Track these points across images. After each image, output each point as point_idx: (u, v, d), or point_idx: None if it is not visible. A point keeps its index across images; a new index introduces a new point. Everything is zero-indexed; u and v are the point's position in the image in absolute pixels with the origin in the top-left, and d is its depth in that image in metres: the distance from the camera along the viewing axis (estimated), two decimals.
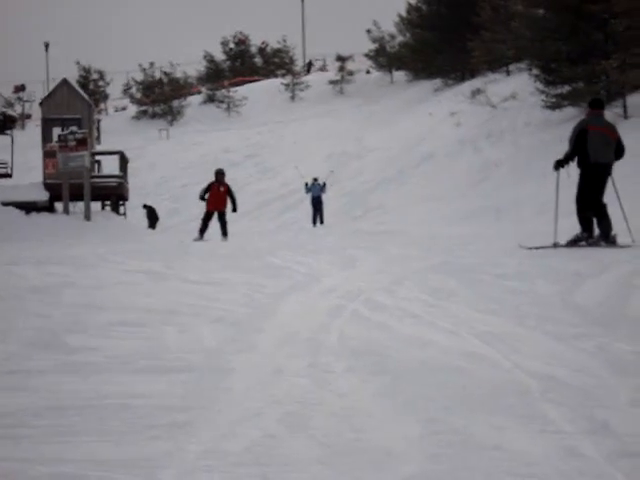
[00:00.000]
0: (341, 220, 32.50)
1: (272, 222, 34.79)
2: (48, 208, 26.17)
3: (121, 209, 30.23)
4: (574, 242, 13.00)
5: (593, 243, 12.88)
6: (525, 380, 4.65)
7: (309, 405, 4.23)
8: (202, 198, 22.27)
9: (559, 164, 13.45)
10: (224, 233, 21.71)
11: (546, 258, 11.11)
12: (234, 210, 22.41)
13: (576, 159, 13.33)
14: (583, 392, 4.42)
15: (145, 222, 35.55)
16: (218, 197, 21.82)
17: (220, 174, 22.55)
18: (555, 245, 12.86)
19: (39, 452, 3.59)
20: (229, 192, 22.15)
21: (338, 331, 6.18)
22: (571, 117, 31.13)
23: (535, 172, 26.65)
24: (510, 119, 36.03)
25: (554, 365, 4.98)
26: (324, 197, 33.17)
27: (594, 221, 13.11)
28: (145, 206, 36.79)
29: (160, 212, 37.28)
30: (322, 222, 32.41)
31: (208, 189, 22.09)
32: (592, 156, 12.97)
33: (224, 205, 21.99)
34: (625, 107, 31.08)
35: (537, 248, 12.61)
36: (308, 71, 71.18)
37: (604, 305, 7.10)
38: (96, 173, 28.79)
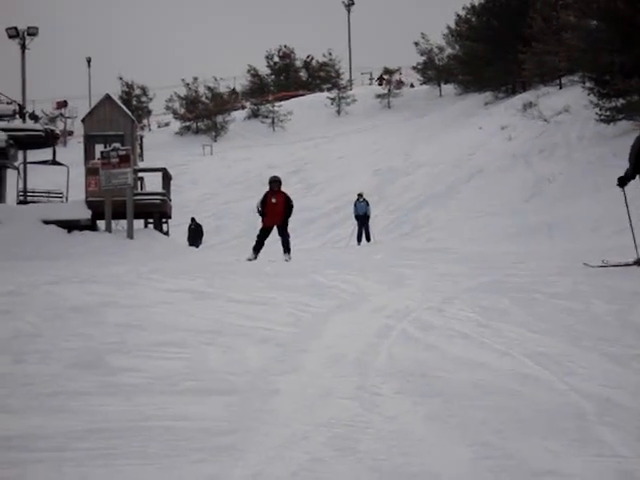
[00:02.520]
0: (389, 237, 32.41)
1: (317, 239, 34.80)
2: (90, 226, 26.33)
3: (164, 227, 30.38)
4: None
5: None
6: (580, 403, 4.53)
7: (357, 428, 4.14)
8: (261, 213, 19.40)
9: (622, 181, 13.13)
10: (286, 250, 19.02)
11: (601, 277, 10.91)
12: (284, 223, 19.50)
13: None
14: None
15: (185, 238, 35.27)
16: (273, 211, 18.96)
17: (274, 182, 19.38)
18: (637, 263, 12.40)
19: (81, 476, 3.53)
20: (286, 203, 19.17)
21: (386, 352, 6.07)
22: (626, 131, 30.83)
23: (589, 187, 26.42)
24: (563, 133, 35.75)
25: (610, 387, 4.86)
26: (371, 214, 33.06)
27: None
28: (193, 221, 36.75)
29: (204, 229, 37.30)
30: (368, 240, 32.29)
31: (264, 201, 19.24)
32: None
33: (281, 218, 19.06)
34: None
35: (614, 266, 12.31)
36: (380, 84, 70.85)
37: None
38: (139, 190, 28.94)
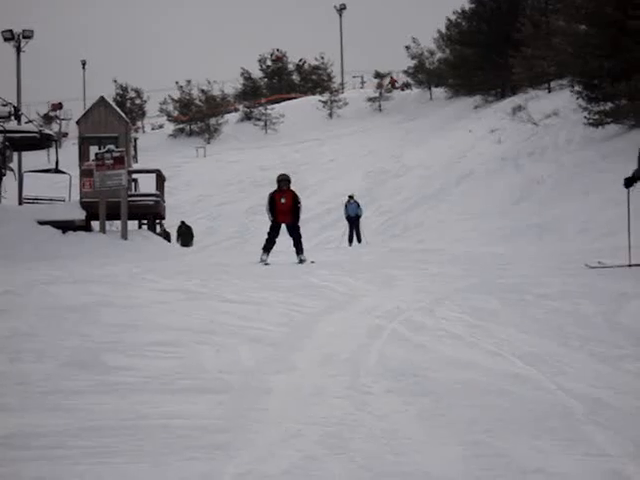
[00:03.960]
0: (379, 239, 32.39)
1: (309, 241, 34.72)
2: (85, 227, 26.24)
3: (158, 228, 30.34)
4: None
5: None
6: (569, 402, 4.58)
7: (349, 427, 4.18)
8: (272, 217, 17.77)
9: (629, 182, 13.09)
10: (298, 250, 17.36)
11: (590, 278, 10.96)
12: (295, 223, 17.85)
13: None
14: (628, 415, 4.35)
15: (176, 239, 35.31)
16: (282, 210, 17.48)
17: (283, 181, 17.76)
18: (630, 265, 12.42)
19: (76, 473, 3.57)
20: (294, 202, 17.65)
21: (377, 352, 6.12)
22: (614, 134, 30.89)
23: (577, 190, 26.44)
24: (552, 136, 35.78)
25: (599, 387, 4.90)
26: (362, 215, 33.02)
27: None
28: (183, 223, 36.80)
29: (197, 231, 37.29)
30: (360, 241, 32.23)
31: (272, 202, 17.66)
32: None
33: (291, 217, 17.61)
34: None
35: (604, 267, 12.33)
36: (393, 87, 70.54)
37: None
38: (133, 192, 28.91)
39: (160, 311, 8.21)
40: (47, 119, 71.35)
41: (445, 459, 3.69)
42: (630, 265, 12.34)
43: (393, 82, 70.50)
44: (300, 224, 17.52)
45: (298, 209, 17.63)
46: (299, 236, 17.42)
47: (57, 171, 31.46)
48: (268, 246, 17.23)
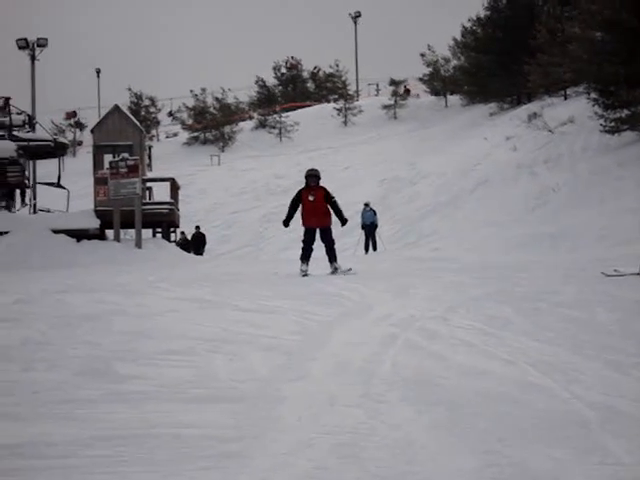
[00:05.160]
0: (394, 247, 32.35)
1: (321, 249, 34.53)
2: (99, 236, 26.36)
3: (172, 236, 30.41)
4: None
5: None
6: (583, 411, 4.55)
7: (362, 436, 4.16)
8: (287, 220, 16.02)
9: None
10: (331, 258, 15.60)
11: (605, 286, 10.91)
12: (342, 223, 16.05)
13: None
14: None
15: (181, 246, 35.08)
16: (312, 209, 15.49)
17: (311, 177, 15.83)
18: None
19: None
20: (327, 199, 15.73)
21: (391, 360, 6.10)
22: (630, 141, 30.78)
23: (593, 198, 26.35)
24: (568, 144, 35.68)
25: (613, 395, 4.87)
26: (378, 223, 32.95)
27: None
28: (197, 229, 36.67)
29: (210, 239, 37.23)
30: (375, 249, 32.21)
31: (298, 200, 15.81)
32: None
33: (323, 219, 15.64)
34: None
35: (620, 275, 12.28)
36: (408, 94, 70.54)
37: None
38: (147, 200, 29.00)
39: (173, 320, 8.21)
40: (60, 130, 71.58)
41: (459, 468, 3.67)
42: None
43: (407, 90, 70.47)
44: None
45: (335, 204, 15.73)
46: (332, 242, 15.68)
47: (58, 185, 31.57)
48: (305, 254, 15.46)
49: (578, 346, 6.48)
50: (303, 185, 16.12)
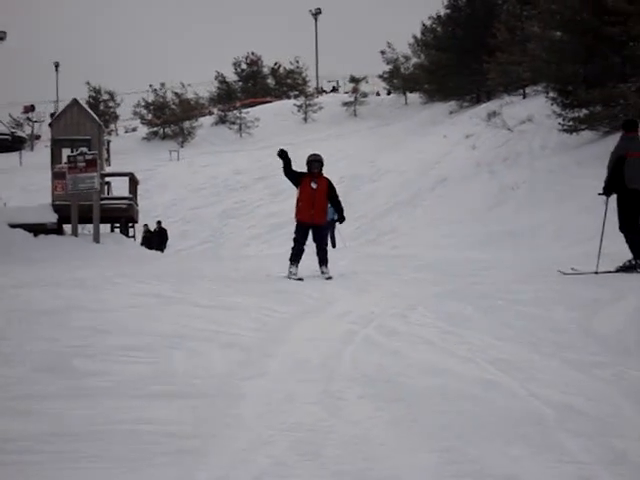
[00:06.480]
0: (354, 244, 32.38)
1: (284, 245, 34.66)
2: (57, 230, 26.10)
3: (130, 231, 30.21)
4: (626, 269, 12.59)
5: None
6: (541, 409, 4.58)
7: (321, 433, 4.17)
8: (288, 174, 14.10)
9: (605, 191, 13.06)
10: (322, 260, 13.82)
11: (563, 284, 10.99)
12: (340, 220, 14.52)
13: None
14: (600, 421, 4.35)
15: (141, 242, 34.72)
16: (311, 199, 13.71)
17: (314, 162, 13.95)
18: (597, 272, 12.48)
19: (45, 478, 3.55)
20: (329, 192, 13.96)
21: (351, 357, 6.10)
22: (589, 141, 31.06)
23: (551, 197, 26.54)
24: (526, 142, 35.94)
25: (571, 394, 4.91)
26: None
27: None
28: (158, 224, 36.39)
29: (170, 234, 36.96)
30: (334, 246, 32.19)
31: (299, 175, 13.97)
32: (627, 182, 12.72)
33: (320, 215, 13.87)
34: None
35: (577, 274, 12.39)
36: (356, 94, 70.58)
37: (622, 333, 7.00)
38: (106, 195, 28.77)
39: (132, 315, 8.15)
40: (18, 123, 70.98)
41: (417, 465, 3.69)
42: (597, 272, 12.41)
43: (355, 90, 70.62)
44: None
45: (337, 199, 14.04)
46: (325, 243, 14.11)
47: None
48: (296, 256, 13.55)
49: (536, 344, 6.53)
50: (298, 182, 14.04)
